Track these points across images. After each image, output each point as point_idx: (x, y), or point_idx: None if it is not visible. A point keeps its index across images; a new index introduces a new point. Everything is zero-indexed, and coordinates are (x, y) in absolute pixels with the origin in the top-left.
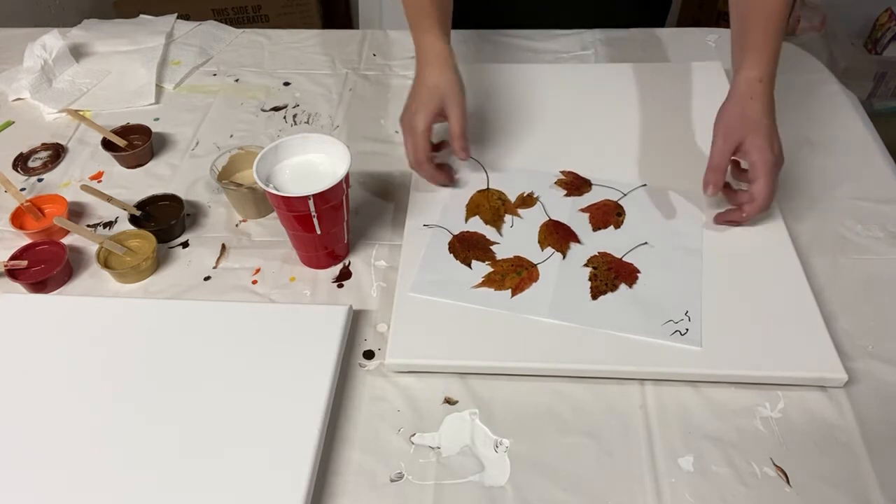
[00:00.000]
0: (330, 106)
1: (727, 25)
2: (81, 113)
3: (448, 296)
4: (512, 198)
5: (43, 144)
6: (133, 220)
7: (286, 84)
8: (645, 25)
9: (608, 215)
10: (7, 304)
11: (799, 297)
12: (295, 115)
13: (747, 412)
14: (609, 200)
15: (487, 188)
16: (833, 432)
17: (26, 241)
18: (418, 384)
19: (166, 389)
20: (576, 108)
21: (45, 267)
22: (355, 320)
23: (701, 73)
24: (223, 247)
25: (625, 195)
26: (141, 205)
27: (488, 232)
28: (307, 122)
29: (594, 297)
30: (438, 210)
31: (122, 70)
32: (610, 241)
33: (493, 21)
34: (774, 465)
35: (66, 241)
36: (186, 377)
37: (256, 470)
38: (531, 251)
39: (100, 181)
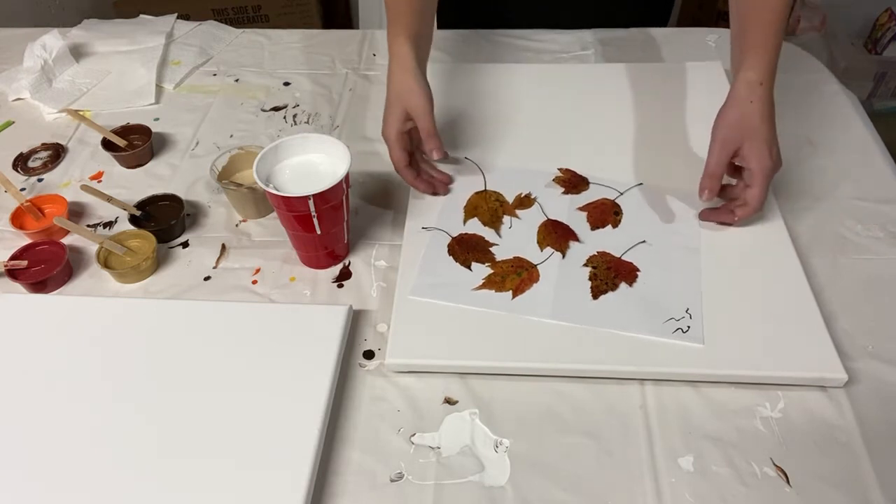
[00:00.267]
0: (330, 106)
1: (727, 25)
2: (81, 113)
3: (449, 298)
4: (509, 199)
5: (43, 144)
6: (133, 220)
7: (286, 84)
8: (647, 25)
9: (606, 214)
10: (7, 304)
11: (799, 297)
12: (295, 115)
13: (747, 412)
14: (606, 199)
15: (485, 189)
16: (833, 432)
17: (26, 241)
18: (418, 384)
19: (166, 389)
20: (575, 108)
21: (45, 267)
22: (355, 320)
23: (701, 73)
24: (223, 247)
25: (621, 194)
26: (141, 205)
27: (487, 233)
28: (307, 122)
29: (595, 296)
30: (436, 212)
31: (122, 70)
32: (608, 241)
33: (493, 21)
34: (774, 465)
35: (66, 241)
36: (186, 377)
37: (256, 470)
38: (530, 251)
39: (100, 181)
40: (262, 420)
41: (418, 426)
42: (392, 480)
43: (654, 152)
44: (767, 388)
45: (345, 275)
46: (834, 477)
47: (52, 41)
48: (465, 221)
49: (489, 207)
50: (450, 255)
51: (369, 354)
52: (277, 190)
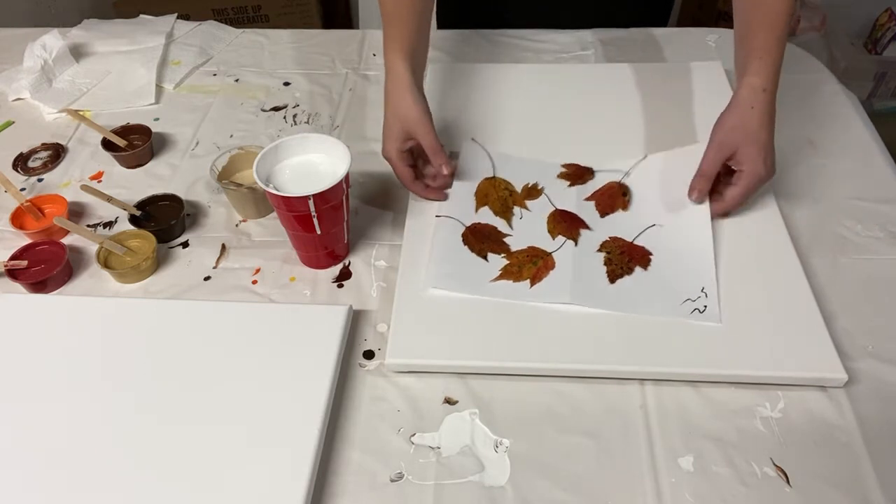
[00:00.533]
0: (330, 106)
1: (727, 25)
2: (81, 113)
3: (468, 290)
4: (517, 188)
5: (43, 144)
6: (133, 220)
7: (286, 84)
8: (646, 25)
9: (614, 198)
10: (7, 304)
11: (799, 297)
12: (295, 115)
13: (747, 412)
14: (613, 182)
15: (494, 176)
16: (833, 432)
17: (26, 241)
18: (418, 384)
19: (166, 389)
20: (575, 108)
21: (45, 267)
22: (355, 320)
23: (701, 73)
24: (223, 247)
25: (627, 174)
26: (141, 205)
27: (499, 224)
28: (307, 122)
29: (612, 280)
30: (446, 200)
31: (122, 70)
32: (619, 226)
33: (493, 21)
34: (774, 465)
35: (66, 241)
36: (186, 377)
37: (256, 470)
38: (543, 241)
39: (100, 181)
40: (262, 420)
41: (418, 426)
42: (392, 480)
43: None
44: (767, 388)
45: (345, 275)
46: (834, 477)
47: (52, 41)
48: (476, 209)
49: (499, 196)
50: (465, 244)
51: (369, 354)
52: (277, 190)
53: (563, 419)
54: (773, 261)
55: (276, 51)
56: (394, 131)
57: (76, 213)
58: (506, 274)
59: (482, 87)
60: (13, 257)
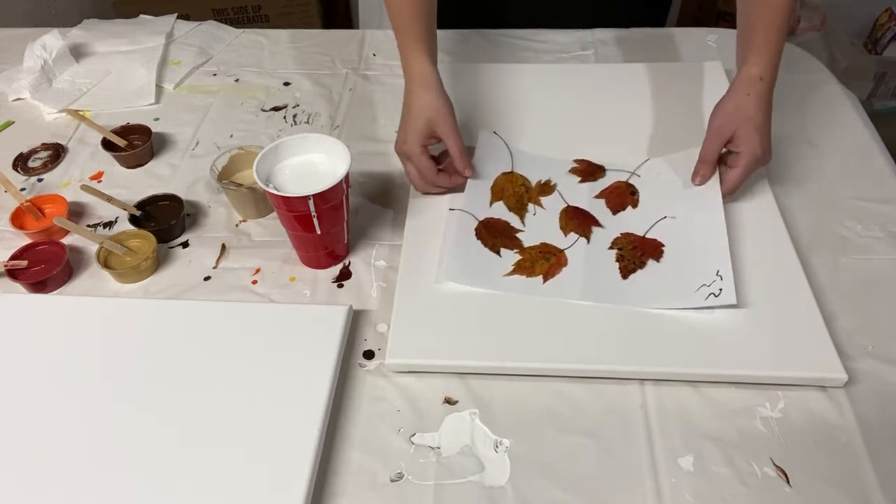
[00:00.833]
0: (330, 106)
1: (727, 25)
2: (81, 113)
3: (482, 284)
4: (532, 184)
5: (43, 144)
6: (133, 220)
7: (286, 84)
8: (645, 25)
9: (623, 197)
10: (7, 304)
11: (799, 297)
12: (295, 115)
13: (747, 412)
14: (620, 182)
15: (511, 171)
16: (833, 432)
17: (26, 241)
18: (418, 384)
19: (166, 389)
20: (576, 108)
21: (45, 267)
22: (355, 320)
23: (701, 72)
24: (223, 247)
25: (632, 173)
26: (141, 205)
27: (512, 219)
28: (307, 122)
29: (624, 276)
30: (461, 193)
31: (122, 70)
32: (630, 222)
33: (493, 21)
34: (774, 465)
35: (66, 241)
36: (186, 377)
37: (256, 470)
38: (555, 238)
39: (100, 181)
40: (262, 420)
41: (418, 426)
42: (392, 480)
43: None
44: (767, 388)
45: (345, 275)
46: (834, 477)
47: (52, 41)
48: (491, 203)
49: (515, 192)
50: (478, 238)
51: (369, 354)
52: (277, 190)
53: (563, 419)
54: (773, 261)
55: (276, 51)
56: (417, 128)
57: (76, 213)
58: (518, 269)
59: (482, 87)
60: (13, 257)
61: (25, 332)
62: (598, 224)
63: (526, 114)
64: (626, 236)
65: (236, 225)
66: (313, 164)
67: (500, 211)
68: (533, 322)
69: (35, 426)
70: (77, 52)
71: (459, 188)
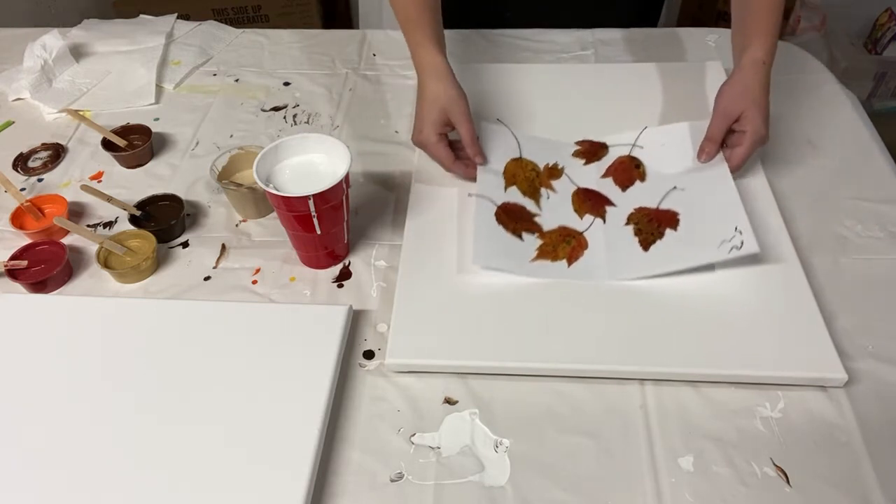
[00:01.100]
0: (330, 106)
1: (727, 25)
2: (81, 113)
3: (512, 269)
4: (541, 168)
5: (43, 144)
6: (133, 220)
7: (286, 84)
8: (639, 24)
9: (629, 172)
10: (7, 304)
11: (799, 297)
12: (295, 115)
13: (747, 412)
14: (624, 157)
15: (520, 157)
16: (833, 432)
17: (26, 241)
18: (418, 384)
19: (166, 389)
20: (576, 108)
21: (45, 267)
22: (355, 320)
23: (701, 73)
24: (223, 247)
25: (634, 145)
26: (141, 205)
27: (528, 204)
28: (307, 122)
29: (646, 248)
30: (476, 180)
31: (122, 70)
32: (641, 196)
33: (493, 21)
34: (774, 465)
35: (66, 241)
36: (186, 377)
37: (256, 470)
38: (572, 221)
39: (100, 181)
40: (262, 420)
41: (418, 426)
42: (392, 480)
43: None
44: (767, 388)
45: (345, 275)
46: (834, 477)
47: (52, 41)
48: (506, 188)
49: (527, 177)
50: (499, 223)
51: (369, 354)
52: (277, 190)
53: (563, 419)
54: (773, 261)
55: (276, 51)
56: (433, 117)
57: (76, 213)
58: (542, 254)
59: (482, 87)
60: (13, 257)
61: (25, 332)
62: (610, 203)
63: (526, 109)
64: (640, 210)
65: (236, 225)
66: (313, 164)
67: (516, 196)
68: (533, 322)
69: (35, 426)
70: (77, 52)
71: (474, 178)
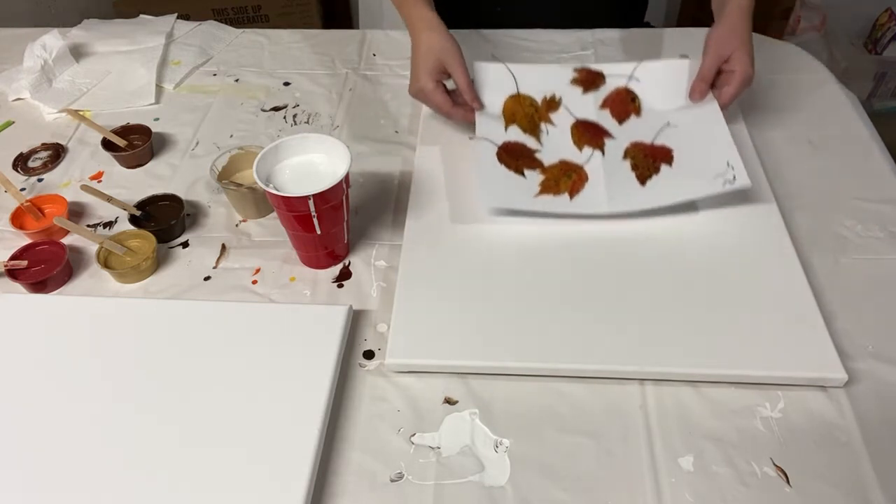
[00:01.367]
0: (330, 106)
1: None
2: (81, 113)
3: (518, 204)
4: (539, 102)
5: (43, 144)
6: (133, 220)
7: (286, 84)
8: (626, 25)
9: (625, 104)
10: (7, 304)
11: (799, 297)
12: (295, 115)
13: (747, 412)
14: (620, 88)
15: (517, 92)
16: (833, 432)
17: (26, 241)
18: (418, 384)
19: (166, 389)
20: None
21: (45, 267)
22: (355, 320)
23: None
24: (223, 247)
25: (631, 76)
26: (141, 205)
27: (528, 141)
28: (307, 122)
29: (643, 183)
30: (476, 121)
31: (122, 70)
32: (636, 130)
33: (493, 21)
34: (774, 465)
35: (66, 241)
36: (186, 377)
37: (256, 470)
38: (571, 154)
39: (100, 181)
40: (262, 420)
41: (418, 426)
42: (392, 480)
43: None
44: (767, 388)
45: (345, 275)
46: (834, 477)
47: (52, 41)
48: (506, 128)
49: (526, 113)
50: (501, 163)
51: (369, 354)
52: (277, 190)
53: (563, 419)
54: (773, 261)
55: (276, 51)
56: (428, 65)
57: (76, 213)
58: (545, 189)
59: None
60: (13, 257)
61: (25, 332)
62: (608, 135)
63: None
64: (636, 146)
65: (236, 225)
66: (313, 164)
67: (516, 134)
68: (533, 322)
69: (35, 426)
70: (77, 52)
71: (473, 122)
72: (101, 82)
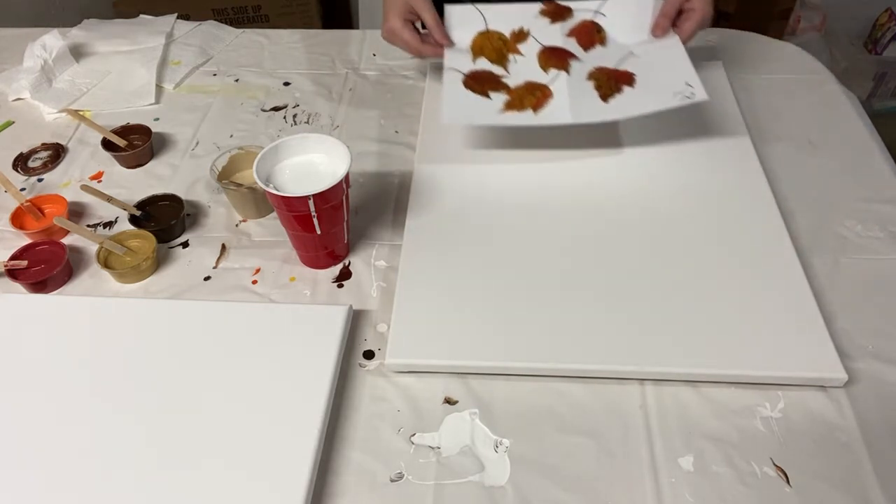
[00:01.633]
0: (330, 106)
1: (727, 25)
2: (81, 113)
3: (480, 120)
4: (508, 36)
5: (43, 144)
6: (133, 220)
7: (286, 84)
8: None
9: (591, 35)
10: (7, 304)
11: (799, 297)
12: (295, 115)
13: (747, 412)
14: (587, 20)
15: (487, 29)
16: (833, 432)
17: (26, 241)
18: (418, 384)
19: (166, 389)
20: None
21: (45, 267)
22: (355, 320)
23: (701, 73)
24: (223, 247)
25: (597, 12)
26: (141, 205)
27: (495, 70)
28: (307, 122)
29: (605, 100)
30: (445, 57)
31: (122, 70)
32: (600, 58)
33: None
34: (774, 465)
35: (66, 241)
36: (186, 377)
37: (257, 469)
38: (538, 76)
39: (100, 181)
40: (262, 420)
41: (418, 426)
42: (392, 480)
43: (648, 152)
44: (767, 388)
45: (345, 275)
46: (834, 477)
47: (52, 41)
48: (474, 60)
49: (494, 47)
50: (467, 88)
51: (369, 354)
52: (277, 190)
53: (563, 419)
54: (773, 261)
55: (276, 51)
56: (396, 8)
57: (76, 213)
58: (510, 106)
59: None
60: (13, 257)
61: (25, 332)
62: (574, 57)
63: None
64: (601, 70)
65: (236, 225)
66: (313, 164)
67: (484, 64)
68: (533, 322)
69: (35, 426)
70: (77, 52)
71: (439, 52)
72: (101, 82)
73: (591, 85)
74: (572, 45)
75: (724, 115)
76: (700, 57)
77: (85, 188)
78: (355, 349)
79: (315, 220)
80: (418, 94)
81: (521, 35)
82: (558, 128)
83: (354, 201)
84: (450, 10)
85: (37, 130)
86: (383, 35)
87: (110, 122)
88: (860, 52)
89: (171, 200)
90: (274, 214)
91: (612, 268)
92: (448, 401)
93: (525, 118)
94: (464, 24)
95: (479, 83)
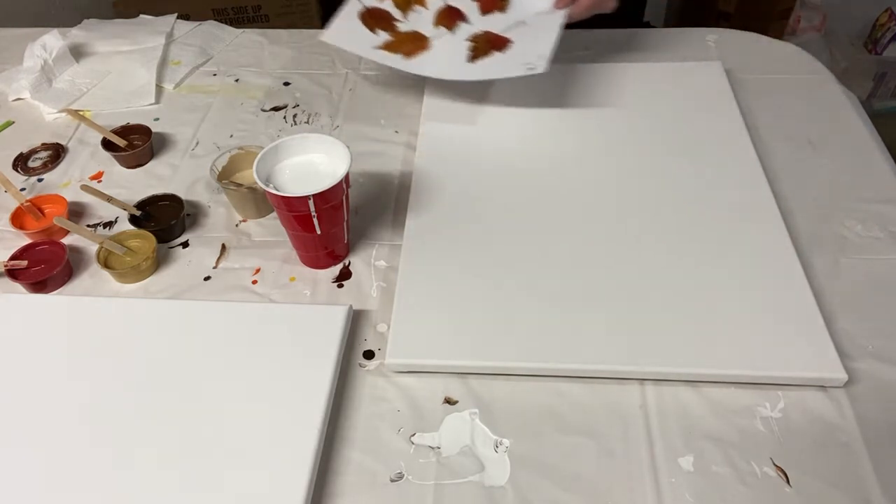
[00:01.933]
0: (330, 106)
1: (727, 25)
2: (81, 113)
3: (354, 49)
4: None
5: (43, 144)
6: (133, 220)
7: (286, 84)
8: (626, 25)
9: (495, 1)
10: (7, 304)
11: (799, 297)
12: (295, 115)
13: (747, 412)
14: None
15: None
16: (833, 432)
17: (26, 241)
18: (418, 384)
19: (166, 389)
20: (574, 108)
21: (45, 267)
22: (355, 320)
23: (701, 73)
24: (223, 247)
25: None
26: (141, 205)
27: (395, 13)
28: (307, 122)
29: (472, 60)
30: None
31: (122, 70)
32: (495, 24)
33: None
34: (774, 465)
35: (66, 241)
36: (186, 377)
37: (256, 470)
38: (426, 30)
39: (100, 181)
40: (261, 420)
41: (418, 426)
42: (392, 480)
43: (649, 152)
44: (767, 388)
45: (345, 275)
46: (834, 477)
47: (52, 41)
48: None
49: None
50: (362, 22)
51: (369, 354)
52: (277, 190)
53: (563, 419)
54: (773, 261)
55: (276, 51)
56: None
57: (76, 213)
58: (387, 47)
59: (483, 87)
60: (13, 257)
61: (25, 332)
62: (464, 20)
63: (521, 116)
64: (486, 33)
65: (236, 225)
66: (313, 164)
67: (388, 7)
68: (533, 322)
69: (35, 426)
70: (77, 52)
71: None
72: (101, 82)
73: (467, 46)
74: (472, 9)
75: (723, 116)
76: (700, 57)
77: (85, 188)
78: (355, 349)
79: (315, 220)
80: (418, 94)
81: None
82: (476, 84)
83: (354, 201)
84: None
85: (37, 130)
86: None
87: (110, 122)
88: (860, 52)
89: (171, 200)
90: (274, 214)
91: (612, 268)
92: (448, 401)
93: (392, 60)
94: None
95: (374, 20)
